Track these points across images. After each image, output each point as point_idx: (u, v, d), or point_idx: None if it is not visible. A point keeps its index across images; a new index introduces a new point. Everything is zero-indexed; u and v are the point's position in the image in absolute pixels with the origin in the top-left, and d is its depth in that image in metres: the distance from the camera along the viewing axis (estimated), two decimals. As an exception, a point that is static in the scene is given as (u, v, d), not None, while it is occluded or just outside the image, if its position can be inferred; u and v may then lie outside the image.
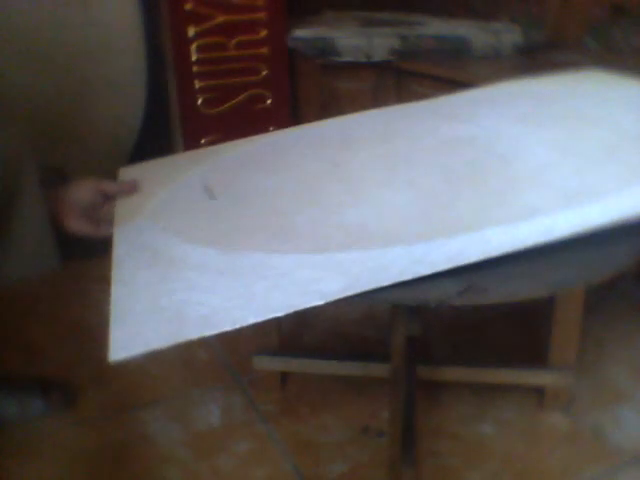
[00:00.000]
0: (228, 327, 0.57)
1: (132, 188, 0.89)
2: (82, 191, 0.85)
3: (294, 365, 1.37)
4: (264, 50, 1.88)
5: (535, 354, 1.31)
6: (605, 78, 1.01)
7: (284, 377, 1.39)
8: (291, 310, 0.57)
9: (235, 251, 0.66)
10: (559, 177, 0.72)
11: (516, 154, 0.79)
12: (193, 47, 1.81)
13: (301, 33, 1.85)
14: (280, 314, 0.57)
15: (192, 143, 1.88)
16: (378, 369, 1.30)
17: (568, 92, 0.96)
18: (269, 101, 1.94)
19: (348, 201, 0.75)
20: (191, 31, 1.80)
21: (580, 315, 1.23)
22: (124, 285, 0.66)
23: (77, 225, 0.83)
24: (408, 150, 0.86)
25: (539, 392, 1.30)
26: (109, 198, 0.88)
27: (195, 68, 1.83)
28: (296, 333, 1.55)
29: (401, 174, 0.79)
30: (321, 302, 0.57)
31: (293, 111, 1.97)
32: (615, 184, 0.67)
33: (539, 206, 0.66)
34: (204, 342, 1.50)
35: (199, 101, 1.87)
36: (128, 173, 0.95)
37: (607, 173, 0.71)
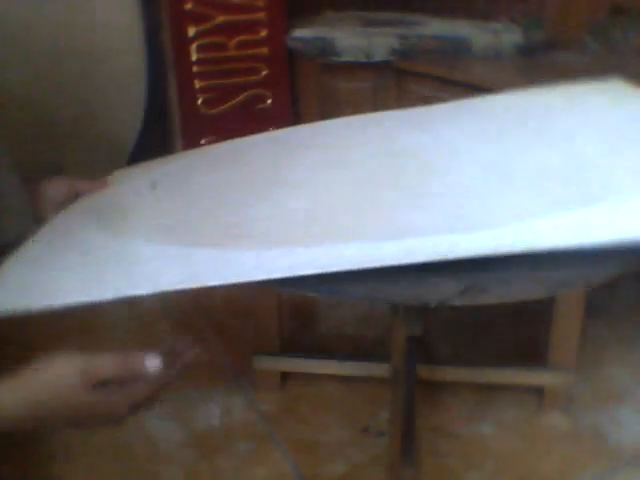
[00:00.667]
0: (62, 303, 0.61)
1: (102, 187, 0.92)
2: (56, 188, 0.89)
3: (294, 365, 1.37)
4: (264, 50, 1.88)
5: (535, 354, 1.31)
6: (623, 90, 0.99)
7: (284, 377, 1.39)
8: (121, 296, 0.59)
9: (122, 236, 0.70)
10: (463, 201, 0.69)
11: (447, 170, 0.77)
12: (193, 47, 1.81)
13: (301, 33, 1.85)
14: (110, 298, 0.60)
15: (192, 143, 1.88)
16: (378, 369, 1.30)
17: (565, 107, 0.94)
18: (269, 101, 1.94)
19: (249, 201, 0.76)
20: (191, 31, 1.80)
21: (580, 315, 1.23)
22: (18, 255, 0.71)
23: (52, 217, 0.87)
24: (350, 157, 0.86)
25: (539, 392, 1.30)
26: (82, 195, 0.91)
27: (195, 68, 1.83)
28: (296, 333, 1.55)
29: (321, 180, 0.79)
30: (150, 292, 0.59)
31: (293, 111, 1.97)
32: (516, 216, 0.63)
33: (419, 228, 0.64)
34: (204, 342, 1.50)
35: (199, 101, 1.87)
36: (120, 175, 0.97)
37: (518, 204, 0.67)
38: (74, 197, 0.89)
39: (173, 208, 0.79)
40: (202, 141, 1.89)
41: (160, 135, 1.97)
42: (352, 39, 1.79)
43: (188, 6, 1.77)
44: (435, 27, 1.90)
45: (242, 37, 1.85)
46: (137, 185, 0.89)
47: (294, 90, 1.97)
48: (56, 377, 0.58)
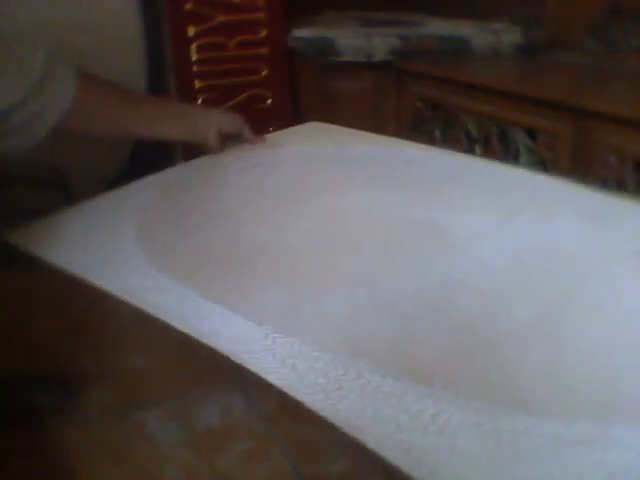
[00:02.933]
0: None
1: (260, 142, 1.08)
2: (228, 121, 1.05)
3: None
4: (264, 50, 1.88)
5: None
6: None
7: (284, 377, 1.39)
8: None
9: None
10: None
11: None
12: (193, 47, 1.81)
13: (301, 33, 1.85)
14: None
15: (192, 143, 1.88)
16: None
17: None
18: (269, 101, 1.94)
19: None
20: (191, 31, 1.80)
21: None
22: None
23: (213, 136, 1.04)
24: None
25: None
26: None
27: (195, 68, 1.83)
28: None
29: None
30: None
31: (293, 111, 1.97)
32: None
33: None
34: (204, 342, 1.50)
35: (199, 101, 1.87)
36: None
37: None
38: (235, 138, 1.05)
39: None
40: (202, 141, 1.89)
41: (160, 135, 1.96)
42: (352, 39, 1.79)
43: (188, 6, 1.78)
44: (435, 27, 1.91)
45: (242, 37, 1.85)
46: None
47: (294, 90, 1.97)
48: None
